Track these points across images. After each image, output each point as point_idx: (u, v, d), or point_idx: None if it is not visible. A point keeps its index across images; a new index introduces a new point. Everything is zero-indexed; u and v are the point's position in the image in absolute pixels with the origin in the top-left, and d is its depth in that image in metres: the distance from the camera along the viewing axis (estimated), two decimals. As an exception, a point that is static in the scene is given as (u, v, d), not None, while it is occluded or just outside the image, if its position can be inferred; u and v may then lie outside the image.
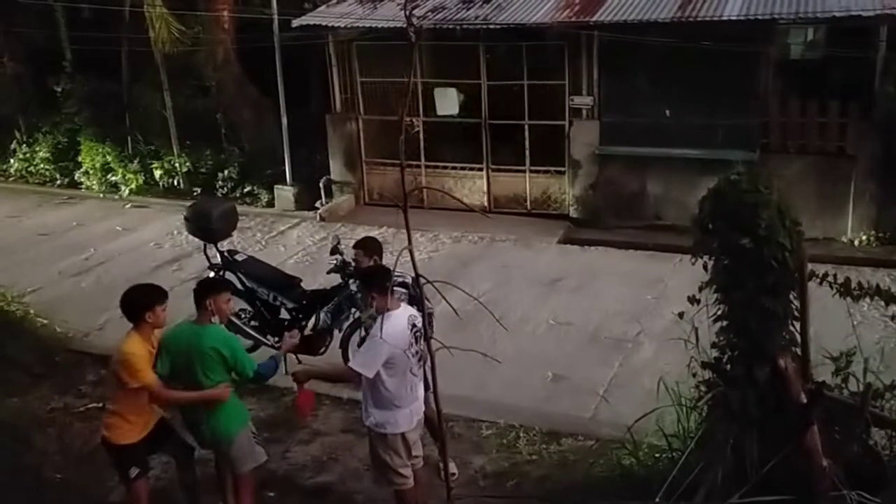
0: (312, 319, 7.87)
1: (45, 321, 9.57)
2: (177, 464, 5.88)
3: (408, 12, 4.10)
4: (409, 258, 4.21)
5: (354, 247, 6.66)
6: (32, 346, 8.78)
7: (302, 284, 8.35)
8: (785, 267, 4.26)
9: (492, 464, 6.62)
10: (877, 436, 4.60)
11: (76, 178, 15.50)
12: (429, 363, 5.60)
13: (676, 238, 10.11)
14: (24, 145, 16.14)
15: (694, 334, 4.81)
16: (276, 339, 8.02)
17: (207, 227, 8.29)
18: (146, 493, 5.59)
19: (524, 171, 12.73)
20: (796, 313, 4.43)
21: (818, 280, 4.53)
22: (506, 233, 12.06)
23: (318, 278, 9.05)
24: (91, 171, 15.20)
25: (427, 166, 13.19)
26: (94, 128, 15.19)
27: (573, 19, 11.39)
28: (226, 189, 14.28)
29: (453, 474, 6.18)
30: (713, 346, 4.62)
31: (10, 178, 16.37)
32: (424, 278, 4.23)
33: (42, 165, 15.91)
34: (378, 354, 5.12)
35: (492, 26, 11.74)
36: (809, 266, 4.42)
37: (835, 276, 4.58)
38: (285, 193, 13.78)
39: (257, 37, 13.59)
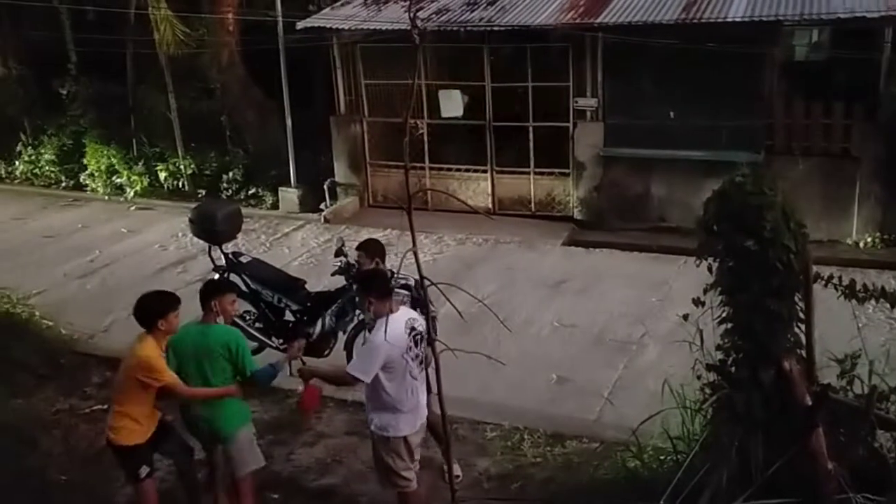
0: (318, 326, 7.85)
1: (50, 323, 9.59)
2: (176, 465, 5.90)
3: (412, 14, 4.10)
4: (413, 260, 4.21)
5: (356, 249, 6.67)
6: (38, 348, 8.80)
7: (306, 286, 8.35)
8: (790, 269, 4.25)
9: (496, 466, 6.62)
10: (882, 438, 4.58)
11: (81, 180, 15.54)
12: (432, 366, 5.65)
13: (681, 240, 10.09)
14: (30, 147, 16.17)
15: (699, 336, 4.80)
16: (281, 340, 8.04)
17: (212, 229, 8.31)
18: (155, 492, 5.62)
19: (528, 173, 12.72)
20: (801, 315, 4.42)
21: (823, 282, 4.52)
22: (510, 235, 12.05)
23: (322, 280, 9.06)
24: (96, 174, 15.24)
25: (431, 168, 13.19)
26: (99, 130, 15.22)
27: (577, 21, 11.39)
28: (230, 191, 14.30)
29: (457, 476, 6.18)
30: (718, 348, 4.61)
31: (16, 181, 16.41)
32: (429, 280, 4.23)
33: (47, 167, 15.95)
34: (374, 359, 5.14)
35: (496, 28, 11.75)
36: (814, 268, 4.41)
37: (840, 278, 4.57)
38: (290, 195, 13.79)
39: (262, 39, 13.61)
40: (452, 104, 13.01)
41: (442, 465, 6.27)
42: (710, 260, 4.45)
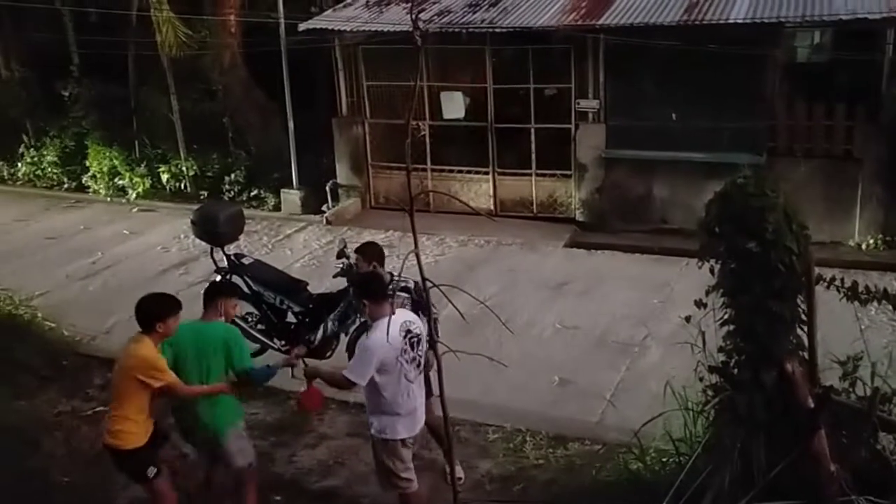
0: (320, 332, 7.85)
1: (52, 324, 9.58)
2: (171, 468, 5.90)
3: (414, 16, 4.10)
4: (415, 262, 4.21)
5: (355, 252, 6.68)
6: (40, 350, 8.80)
7: (308, 288, 8.35)
8: (792, 271, 4.26)
9: (498, 468, 6.62)
10: (884, 440, 4.58)
11: (83, 181, 15.54)
12: (434, 369, 5.65)
13: (683, 242, 10.06)
14: (32, 149, 16.17)
15: (701, 338, 4.80)
16: (283, 342, 8.04)
17: (214, 230, 8.31)
18: (171, 490, 5.60)
19: (530, 175, 12.72)
20: (803, 317, 4.42)
21: (825, 284, 4.52)
22: (512, 236, 12.05)
23: (324, 282, 9.06)
24: (98, 175, 15.24)
25: (433, 170, 13.20)
26: (101, 132, 15.22)
27: (579, 22, 11.39)
28: (232, 193, 14.30)
29: (460, 478, 6.17)
30: (720, 350, 4.61)
31: (18, 182, 16.41)
32: (431, 282, 4.23)
33: (50, 169, 15.95)
34: (367, 362, 5.17)
35: (498, 30, 11.75)
36: (816, 270, 4.41)
37: (842, 279, 4.57)
38: (292, 197, 13.80)
39: (264, 41, 13.63)
40: (454, 106, 13.02)
41: (444, 467, 6.27)
42: (712, 262, 4.45)
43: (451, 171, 13.22)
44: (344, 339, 7.83)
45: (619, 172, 12.02)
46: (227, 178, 14.37)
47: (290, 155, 13.67)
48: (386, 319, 5.14)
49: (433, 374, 5.26)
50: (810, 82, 11.35)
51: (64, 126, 15.82)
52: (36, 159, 16.09)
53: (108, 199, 15.10)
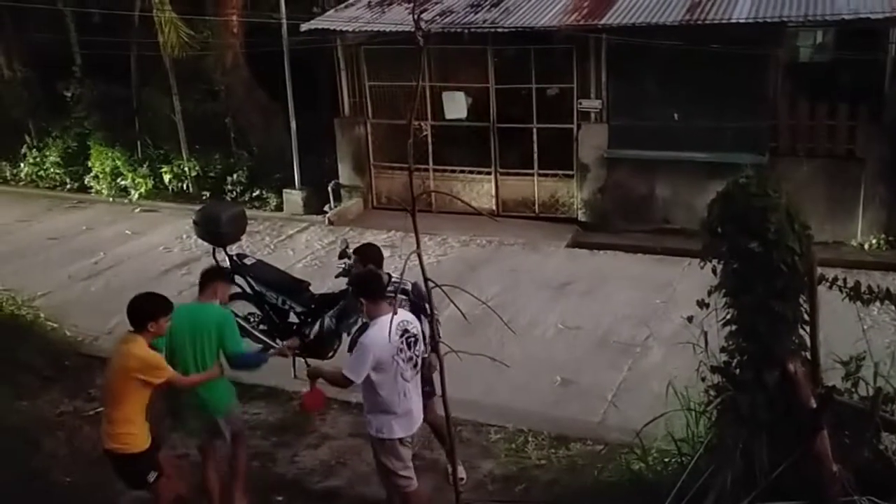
0: (316, 326, 7.85)
1: (54, 325, 9.59)
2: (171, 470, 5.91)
3: (416, 16, 4.10)
4: (417, 262, 4.21)
5: (353, 253, 6.68)
6: (42, 350, 8.80)
7: (310, 288, 8.35)
8: (794, 271, 4.25)
9: (500, 468, 6.62)
10: (887, 441, 4.57)
11: (86, 182, 15.56)
12: (428, 369, 5.66)
13: (685, 242, 10.07)
14: (35, 150, 16.19)
15: (703, 338, 4.79)
16: (285, 343, 8.04)
17: (216, 231, 8.30)
18: (169, 489, 5.60)
19: (532, 175, 12.72)
20: (806, 317, 4.42)
21: (828, 284, 4.51)
22: (514, 236, 12.05)
23: (326, 282, 9.06)
24: (101, 176, 15.26)
25: (435, 170, 13.20)
26: (103, 132, 15.24)
27: (581, 22, 11.39)
28: (235, 193, 14.32)
29: (462, 479, 6.16)
30: (722, 350, 4.61)
31: (21, 183, 16.42)
32: (433, 282, 4.23)
33: (52, 170, 15.97)
34: (364, 360, 5.19)
35: (500, 30, 11.75)
36: (819, 270, 4.40)
37: (844, 279, 4.56)
38: (294, 197, 13.80)
39: (266, 41, 13.64)
40: (456, 106, 13.01)
41: (446, 468, 6.26)
42: (715, 262, 4.44)
43: (453, 171, 13.22)
44: (346, 340, 7.83)
45: (621, 172, 12.02)
46: (229, 179, 14.38)
47: (292, 155, 13.68)
48: (383, 318, 5.15)
49: (435, 375, 5.26)
50: (813, 82, 11.34)
51: (66, 126, 15.84)
52: (38, 160, 16.11)
53: (111, 199, 15.12)
